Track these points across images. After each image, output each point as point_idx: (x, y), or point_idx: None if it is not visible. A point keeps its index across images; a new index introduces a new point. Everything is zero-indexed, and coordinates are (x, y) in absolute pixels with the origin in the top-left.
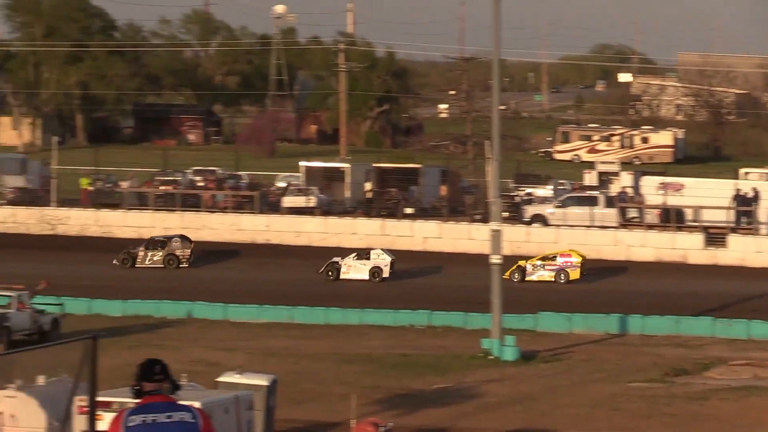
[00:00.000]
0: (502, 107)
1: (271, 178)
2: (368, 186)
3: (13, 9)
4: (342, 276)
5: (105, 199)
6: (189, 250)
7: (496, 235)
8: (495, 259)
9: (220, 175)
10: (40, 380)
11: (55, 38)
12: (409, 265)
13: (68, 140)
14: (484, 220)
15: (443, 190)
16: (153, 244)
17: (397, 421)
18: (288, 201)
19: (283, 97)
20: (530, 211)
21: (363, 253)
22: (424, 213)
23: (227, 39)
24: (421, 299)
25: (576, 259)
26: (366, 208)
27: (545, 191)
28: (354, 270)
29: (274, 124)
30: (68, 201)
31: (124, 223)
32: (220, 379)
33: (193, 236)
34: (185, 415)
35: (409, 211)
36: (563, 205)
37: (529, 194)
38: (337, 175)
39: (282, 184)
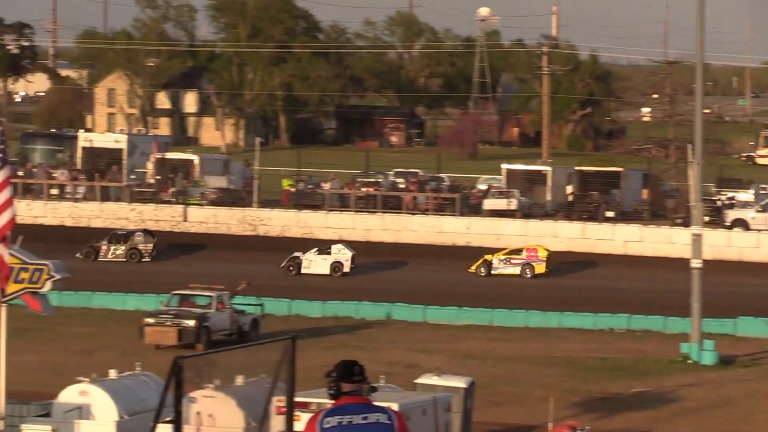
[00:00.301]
0: (706, 111)
1: (472, 180)
2: (570, 189)
3: (218, 10)
4: (303, 270)
5: (306, 200)
6: (152, 245)
7: (698, 240)
8: (696, 263)
9: (422, 177)
10: (239, 380)
11: (259, 39)
12: (611, 269)
13: (271, 141)
14: (686, 224)
15: (645, 193)
16: (116, 238)
17: (594, 424)
18: (489, 203)
19: (486, 99)
20: (731, 215)
21: (324, 248)
22: (625, 216)
23: (431, 41)
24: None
25: (542, 254)
26: (567, 211)
27: (747, 195)
28: (315, 265)
29: (476, 126)
30: (269, 202)
31: (325, 225)
32: (418, 380)
33: (393, 238)
34: (381, 416)
35: (610, 214)
36: (764, 209)
37: (730, 198)
38: (538, 178)
39: (483, 187)
